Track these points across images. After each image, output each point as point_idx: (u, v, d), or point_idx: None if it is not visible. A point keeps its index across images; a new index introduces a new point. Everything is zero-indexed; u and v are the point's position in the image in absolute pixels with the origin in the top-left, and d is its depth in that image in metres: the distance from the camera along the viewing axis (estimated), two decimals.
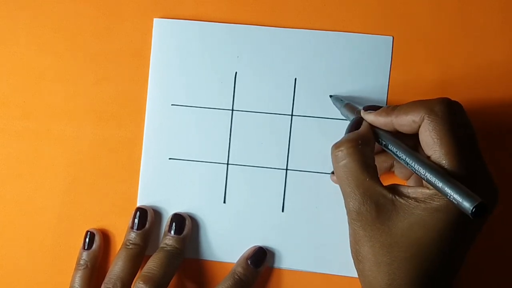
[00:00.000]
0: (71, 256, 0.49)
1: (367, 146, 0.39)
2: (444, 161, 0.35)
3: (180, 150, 0.49)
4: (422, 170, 0.35)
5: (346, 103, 0.45)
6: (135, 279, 0.46)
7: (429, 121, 0.36)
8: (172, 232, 0.47)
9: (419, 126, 0.37)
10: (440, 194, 0.35)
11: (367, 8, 0.48)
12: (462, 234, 0.37)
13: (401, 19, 0.48)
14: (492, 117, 0.47)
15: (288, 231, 0.48)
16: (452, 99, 0.38)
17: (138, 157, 0.49)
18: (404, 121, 0.38)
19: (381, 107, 0.41)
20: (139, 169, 0.49)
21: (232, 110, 0.48)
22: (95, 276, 0.48)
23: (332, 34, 0.48)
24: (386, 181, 0.42)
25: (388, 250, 0.37)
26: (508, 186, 0.46)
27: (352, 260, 0.40)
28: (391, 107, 0.40)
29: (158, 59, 0.48)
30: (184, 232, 0.47)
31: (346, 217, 0.39)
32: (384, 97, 0.47)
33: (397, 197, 0.37)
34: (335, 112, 0.47)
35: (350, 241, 0.40)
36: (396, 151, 0.38)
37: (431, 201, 0.36)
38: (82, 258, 0.48)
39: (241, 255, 0.48)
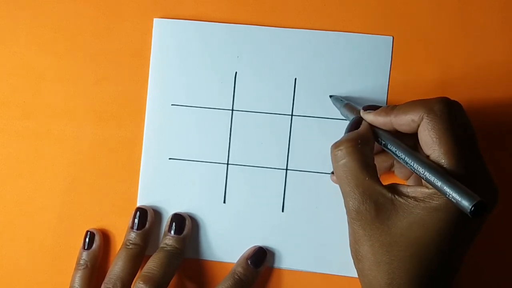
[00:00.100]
0: (71, 256, 0.49)
1: (366, 146, 0.39)
2: (443, 160, 0.35)
3: (180, 150, 0.49)
4: (421, 169, 0.35)
5: (346, 103, 0.45)
6: (135, 279, 0.46)
7: (428, 120, 0.36)
8: (172, 232, 0.47)
9: (418, 126, 0.37)
10: (439, 193, 0.35)
11: (367, 8, 0.48)
12: (462, 233, 0.37)
13: (401, 19, 0.48)
14: (492, 117, 0.47)
15: (288, 231, 0.48)
16: (452, 99, 0.38)
17: (138, 157, 0.49)
18: (403, 121, 0.38)
19: (381, 106, 0.41)
20: (139, 169, 0.49)
21: (232, 110, 0.48)
22: (95, 276, 0.48)
23: (332, 34, 0.48)
24: (386, 180, 0.42)
25: (387, 249, 0.37)
26: (508, 186, 0.46)
27: (352, 260, 0.40)
28: (390, 107, 0.40)
29: (158, 59, 0.48)
30: (184, 232, 0.47)
31: (346, 217, 0.39)
32: (384, 97, 0.47)
33: (396, 196, 0.37)
34: (335, 112, 0.47)
35: (349, 240, 0.40)
36: (396, 151, 0.38)
37: (430, 200, 0.36)
38: (82, 258, 0.48)
39: (241, 255, 0.48)
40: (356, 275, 0.40)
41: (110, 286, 0.45)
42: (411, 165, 0.36)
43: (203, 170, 0.48)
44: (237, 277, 0.46)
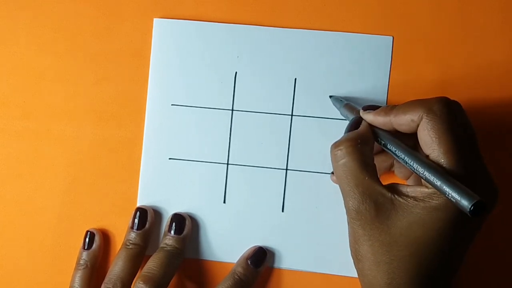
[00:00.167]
0: (71, 256, 0.49)
1: (366, 145, 0.39)
2: (442, 160, 0.35)
3: (180, 150, 0.49)
4: (420, 169, 0.35)
5: (346, 103, 0.45)
6: (135, 279, 0.46)
7: (428, 120, 0.36)
8: (172, 232, 0.47)
9: (418, 125, 0.37)
10: (439, 193, 0.35)
11: (367, 8, 0.48)
12: (461, 233, 0.37)
13: (401, 19, 0.48)
14: (492, 117, 0.47)
15: (288, 231, 0.48)
16: (452, 99, 0.38)
17: (138, 157, 0.49)
18: (403, 121, 0.38)
19: (380, 106, 0.41)
20: (139, 169, 0.49)
21: (232, 110, 0.48)
22: (95, 276, 0.48)
23: (332, 34, 0.48)
24: (386, 180, 0.42)
25: (387, 249, 0.37)
26: (508, 186, 0.46)
27: (352, 260, 0.40)
28: (390, 107, 0.40)
29: (158, 59, 0.48)
30: (184, 232, 0.47)
31: (346, 217, 0.39)
32: (384, 97, 0.47)
33: (396, 196, 0.37)
34: (335, 112, 0.47)
35: (349, 240, 0.40)
36: (395, 150, 0.38)
37: (430, 200, 0.36)
38: (82, 258, 0.48)
39: (241, 255, 0.48)
40: (356, 275, 0.40)
41: (110, 286, 0.45)
42: (410, 165, 0.36)
43: (203, 170, 0.48)
44: (237, 277, 0.46)
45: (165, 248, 0.46)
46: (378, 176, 0.39)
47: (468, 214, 0.32)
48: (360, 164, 0.38)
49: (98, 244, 0.48)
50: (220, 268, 0.49)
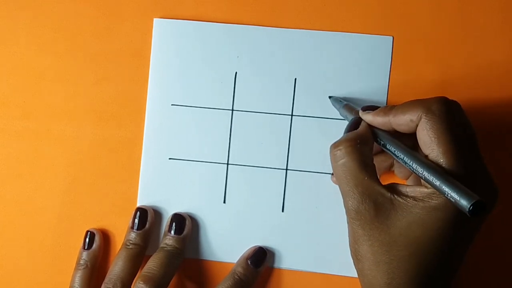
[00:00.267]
0: (71, 256, 0.49)
1: (365, 146, 0.39)
2: (441, 160, 0.35)
3: (180, 150, 0.49)
4: (419, 169, 0.35)
5: (345, 103, 0.45)
6: (135, 279, 0.46)
7: (427, 120, 0.36)
8: (172, 232, 0.47)
9: (417, 125, 0.37)
10: (438, 193, 0.35)
11: (367, 8, 0.48)
12: (461, 232, 0.37)
13: (401, 19, 0.48)
14: (492, 117, 0.47)
15: (288, 231, 0.48)
16: (452, 99, 0.38)
17: (138, 157, 0.49)
18: (402, 121, 0.38)
19: (379, 107, 0.41)
20: (139, 169, 0.49)
21: (232, 110, 0.48)
22: (95, 276, 0.48)
23: (332, 34, 0.48)
24: (386, 180, 0.42)
25: (387, 249, 0.37)
26: (508, 186, 0.46)
27: (352, 260, 0.40)
28: (389, 107, 0.40)
29: (158, 59, 0.48)
30: (184, 232, 0.47)
31: (346, 217, 0.39)
32: (384, 97, 0.47)
33: (395, 196, 0.37)
34: (335, 112, 0.47)
35: (349, 240, 0.40)
36: (394, 151, 0.38)
37: (429, 200, 0.36)
38: (82, 258, 0.48)
39: (241, 255, 0.48)
40: (356, 275, 0.40)
41: (110, 286, 0.45)
42: (409, 165, 0.36)
43: (203, 170, 0.48)
44: (237, 277, 0.46)
45: (165, 248, 0.46)
46: (378, 176, 0.39)
47: (468, 214, 0.32)
48: (360, 164, 0.38)
49: (98, 244, 0.48)
50: (220, 268, 0.49)
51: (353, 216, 0.38)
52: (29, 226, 0.49)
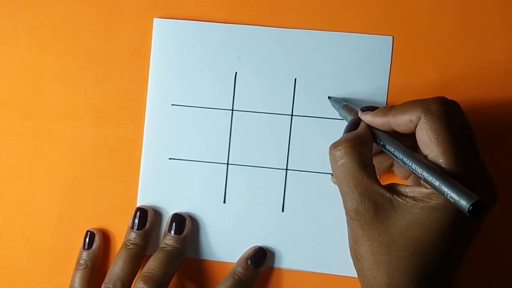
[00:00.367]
0: (71, 256, 0.49)
1: (364, 146, 0.39)
2: (441, 160, 0.35)
3: (180, 150, 0.49)
4: (419, 169, 0.35)
5: (344, 104, 0.45)
6: (135, 279, 0.46)
7: (426, 120, 0.36)
8: (172, 232, 0.47)
9: (416, 126, 0.37)
10: (437, 193, 0.35)
11: (367, 8, 0.48)
12: (460, 232, 0.37)
13: (401, 19, 0.48)
14: (492, 117, 0.47)
15: (288, 231, 0.48)
16: (453, 99, 0.38)
17: (138, 157, 0.49)
18: (401, 121, 0.38)
19: (379, 107, 0.41)
20: (139, 169, 0.49)
21: (232, 110, 0.48)
22: (95, 276, 0.48)
23: (332, 34, 0.48)
24: (386, 180, 0.42)
25: (386, 249, 0.37)
26: (508, 186, 0.46)
27: (352, 260, 0.40)
28: (388, 107, 0.40)
29: (158, 59, 0.48)
30: (184, 232, 0.47)
31: (345, 217, 0.39)
32: (384, 97, 0.47)
33: (395, 196, 0.37)
34: (335, 112, 0.47)
35: (349, 241, 0.40)
36: (394, 151, 0.38)
37: (429, 200, 0.36)
38: (82, 258, 0.48)
39: (241, 255, 0.48)
40: (356, 275, 0.40)
41: (110, 286, 0.45)
42: (409, 165, 0.36)
43: (203, 170, 0.48)
44: (237, 277, 0.46)
45: (165, 248, 0.46)
46: (378, 176, 0.39)
47: (467, 214, 0.32)
48: (359, 164, 0.38)
49: (98, 244, 0.48)
50: (220, 268, 0.49)
51: (353, 217, 0.38)
52: (29, 226, 0.49)
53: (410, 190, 0.37)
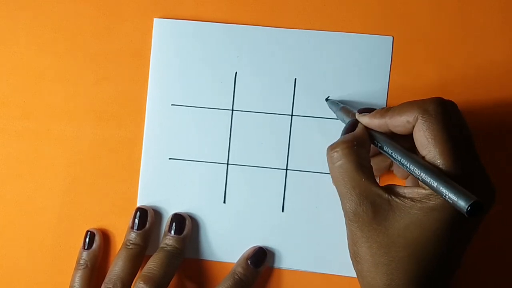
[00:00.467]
0: (71, 256, 0.49)
1: (362, 148, 0.39)
2: (438, 161, 0.35)
3: (180, 150, 0.49)
4: (417, 171, 0.35)
5: (342, 106, 0.45)
6: (135, 279, 0.46)
7: (423, 121, 0.36)
8: (172, 232, 0.47)
9: (413, 127, 0.37)
10: (435, 194, 0.35)
11: (367, 8, 0.48)
12: (459, 233, 0.37)
13: (401, 19, 0.48)
14: (492, 117, 0.47)
15: (288, 231, 0.48)
16: (453, 99, 0.38)
17: (138, 157, 0.49)
18: (398, 122, 0.38)
19: (376, 109, 0.41)
20: (139, 169, 0.49)
21: (232, 110, 0.48)
22: (95, 276, 0.48)
23: (332, 34, 0.48)
24: (386, 180, 0.42)
25: (385, 250, 0.37)
26: (507, 186, 0.46)
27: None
28: (385, 109, 0.40)
29: (158, 59, 0.48)
30: (184, 232, 0.47)
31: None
32: (384, 97, 0.47)
33: (393, 197, 0.37)
34: None
35: (348, 242, 0.40)
36: (391, 152, 0.38)
37: (427, 201, 0.36)
38: (82, 258, 0.48)
39: (241, 255, 0.48)
40: (356, 275, 0.40)
41: (110, 286, 0.45)
42: (407, 167, 0.36)
43: (203, 170, 0.48)
44: (237, 277, 0.46)
45: (165, 248, 0.47)
46: (378, 176, 0.39)
47: (465, 215, 0.32)
48: (357, 165, 0.38)
49: (98, 244, 0.48)
50: (220, 268, 0.49)
51: (351, 218, 0.38)
52: (29, 226, 0.49)
53: (408, 191, 0.37)
